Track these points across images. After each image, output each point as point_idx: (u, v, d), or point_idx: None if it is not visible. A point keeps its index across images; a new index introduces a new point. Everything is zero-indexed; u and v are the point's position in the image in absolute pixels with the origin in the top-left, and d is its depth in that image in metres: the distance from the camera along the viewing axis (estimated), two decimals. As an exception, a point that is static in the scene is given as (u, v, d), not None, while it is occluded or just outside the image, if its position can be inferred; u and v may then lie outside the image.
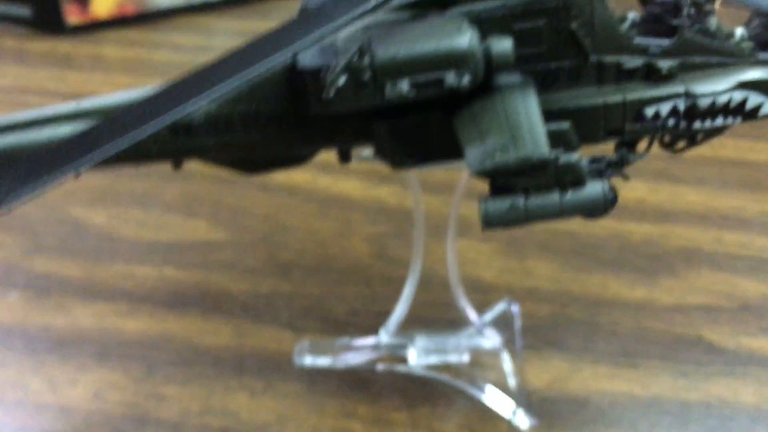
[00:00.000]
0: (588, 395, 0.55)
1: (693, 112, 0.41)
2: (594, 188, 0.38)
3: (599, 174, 0.39)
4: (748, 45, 0.43)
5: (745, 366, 0.57)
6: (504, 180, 0.38)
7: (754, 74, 0.41)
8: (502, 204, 0.38)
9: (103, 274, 0.65)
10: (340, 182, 0.76)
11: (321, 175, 0.77)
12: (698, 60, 0.41)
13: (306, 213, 0.72)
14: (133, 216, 0.71)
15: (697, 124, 0.42)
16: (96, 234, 0.69)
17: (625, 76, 0.41)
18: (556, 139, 0.39)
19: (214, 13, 1.12)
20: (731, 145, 0.80)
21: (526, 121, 0.38)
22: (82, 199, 0.73)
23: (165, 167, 0.77)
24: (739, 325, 0.60)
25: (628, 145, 0.43)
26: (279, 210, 0.73)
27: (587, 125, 0.42)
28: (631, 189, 0.75)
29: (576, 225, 0.70)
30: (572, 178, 0.38)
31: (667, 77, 0.41)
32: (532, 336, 0.59)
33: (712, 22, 0.42)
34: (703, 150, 0.80)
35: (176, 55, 1.01)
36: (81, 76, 0.95)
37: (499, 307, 0.60)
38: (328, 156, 0.78)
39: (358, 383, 0.56)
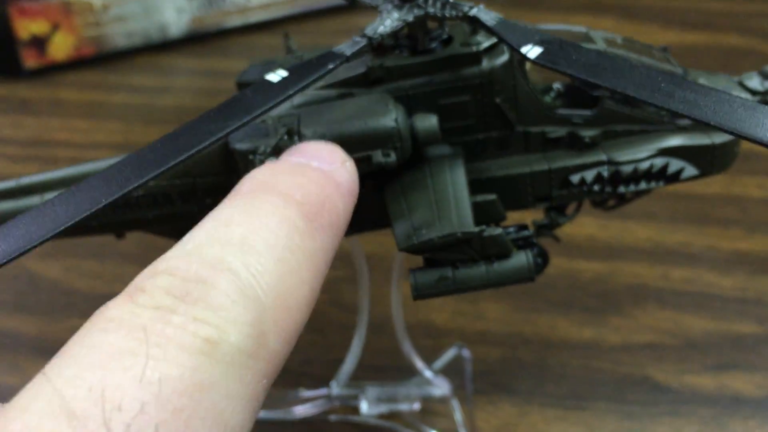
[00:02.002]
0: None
1: (617, 178, 0.43)
2: (519, 259, 0.40)
3: (526, 243, 0.41)
4: (668, 112, 0.44)
5: (688, 405, 0.58)
6: (431, 254, 0.39)
7: (673, 141, 0.43)
8: (431, 276, 0.40)
9: (57, 329, 0.65)
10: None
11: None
12: (620, 128, 0.43)
13: (262, 259, 0.73)
14: (89, 268, 0.72)
15: (621, 189, 0.43)
16: (50, 288, 0.70)
17: (550, 144, 0.43)
18: (483, 211, 0.40)
19: (174, 52, 1.12)
20: (679, 179, 0.82)
21: (453, 196, 0.39)
22: (37, 252, 0.72)
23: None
24: (684, 363, 0.62)
25: (557, 208, 0.45)
26: (235, 257, 0.73)
27: (516, 192, 0.43)
28: (582, 226, 0.77)
29: (527, 264, 0.72)
30: (497, 251, 0.39)
31: (590, 146, 0.43)
32: (483, 380, 0.60)
33: None
34: (652, 184, 0.82)
35: (135, 96, 1.01)
36: (38, 121, 0.96)
37: (449, 353, 0.61)
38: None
39: (310, 435, 0.57)
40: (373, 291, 0.61)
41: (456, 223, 0.38)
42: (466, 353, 0.61)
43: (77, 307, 0.67)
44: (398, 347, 0.60)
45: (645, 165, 0.43)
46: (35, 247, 0.30)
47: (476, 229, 0.38)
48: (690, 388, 0.60)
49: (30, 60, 1.03)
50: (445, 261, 0.40)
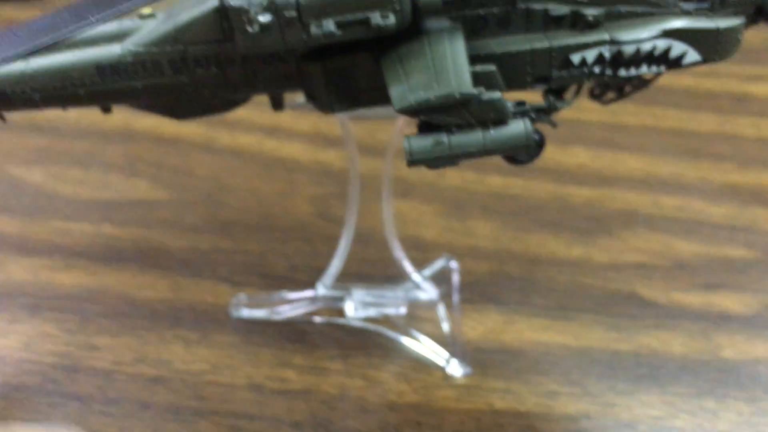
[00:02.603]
0: (522, 346, 0.56)
1: (618, 59, 0.42)
2: (517, 126, 0.39)
3: (523, 115, 0.40)
4: None
5: (676, 319, 0.58)
6: (428, 117, 0.38)
7: (678, 23, 0.42)
8: (426, 140, 0.39)
9: (39, 230, 0.64)
10: (286, 145, 0.76)
11: (267, 138, 0.77)
12: (624, 9, 0.42)
13: (250, 174, 0.72)
14: (73, 175, 0.70)
15: (622, 72, 0.42)
16: (33, 192, 0.68)
17: (552, 23, 0.42)
18: (481, 80, 0.39)
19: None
20: (672, 115, 0.82)
21: (452, 61, 0.38)
22: (20, 158, 0.72)
23: (105, 127, 0.76)
24: (672, 281, 0.61)
25: (555, 92, 0.44)
26: (223, 171, 0.72)
27: (515, 71, 0.42)
28: (573, 155, 0.76)
29: (518, 188, 0.71)
30: (495, 115, 0.38)
31: (593, 25, 0.41)
32: (470, 291, 0.60)
33: None
34: (645, 119, 0.82)
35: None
36: (25, 42, 0.94)
37: (438, 263, 0.60)
38: (274, 119, 0.78)
39: (294, 335, 0.56)
40: (362, 207, 0.60)
41: (454, 84, 0.37)
42: (453, 264, 0.61)
43: (60, 210, 0.66)
44: (386, 259, 0.59)
45: (647, 46, 0.42)
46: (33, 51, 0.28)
47: (475, 91, 0.37)
48: (677, 305, 0.59)
49: (18, -18, 1.00)
50: (441, 126, 0.39)
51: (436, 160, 0.39)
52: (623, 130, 0.79)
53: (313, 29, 0.38)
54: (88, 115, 0.78)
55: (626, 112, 0.81)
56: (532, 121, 0.41)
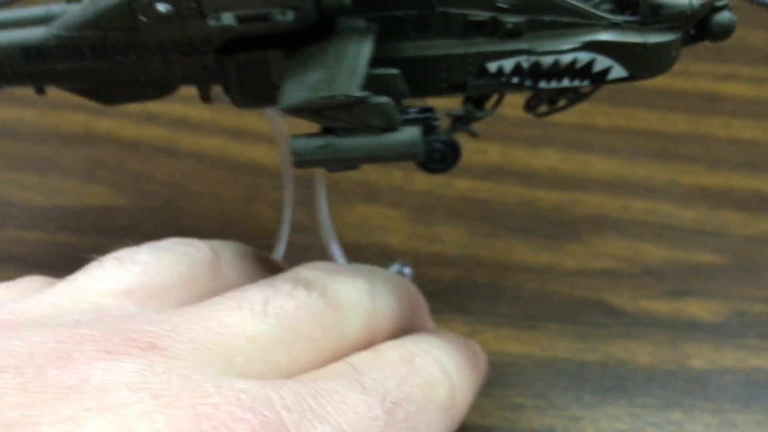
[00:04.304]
0: (487, 357, 0.55)
1: (537, 70, 0.40)
2: (406, 133, 0.38)
3: (424, 124, 0.39)
4: (607, 6, 0.42)
5: (644, 328, 0.57)
6: (313, 118, 0.37)
7: (603, 36, 0.40)
8: (314, 142, 0.38)
9: (-8, 239, 0.62)
10: (250, 149, 0.74)
11: (231, 141, 0.75)
12: (547, 18, 0.40)
13: (213, 179, 0.70)
14: (28, 181, 0.68)
15: (542, 84, 0.41)
16: (-14, 199, 0.66)
17: (471, 29, 0.40)
18: (382, 85, 0.38)
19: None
20: (643, 116, 0.81)
21: (349, 62, 0.37)
22: (-27, 163, 0.70)
23: (64, 129, 0.74)
24: (640, 288, 0.61)
25: (474, 101, 0.43)
26: (184, 176, 0.70)
27: (429, 77, 0.41)
28: (544, 157, 0.75)
29: (487, 192, 0.70)
30: (381, 121, 0.37)
31: (513, 33, 0.40)
32: (436, 300, 0.58)
33: None
34: (616, 120, 0.81)
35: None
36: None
37: (392, 269, 0.59)
38: (239, 121, 0.77)
39: (254, 348, 0.54)
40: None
41: (342, 86, 0.36)
42: (407, 271, 0.59)
43: (14, 218, 0.64)
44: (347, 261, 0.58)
45: (567, 58, 0.40)
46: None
47: (360, 94, 0.36)
48: (645, 313, 0.59)
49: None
50: (334, 129, 0.38)
51: (322, 162, 0.38)
52: (594, 131, 0.79)
53: (212, 21, 0.38)
54: (46, 118, 0.76)
55: (597, 112, 0.80)
56: (432, 129, 0.40)
